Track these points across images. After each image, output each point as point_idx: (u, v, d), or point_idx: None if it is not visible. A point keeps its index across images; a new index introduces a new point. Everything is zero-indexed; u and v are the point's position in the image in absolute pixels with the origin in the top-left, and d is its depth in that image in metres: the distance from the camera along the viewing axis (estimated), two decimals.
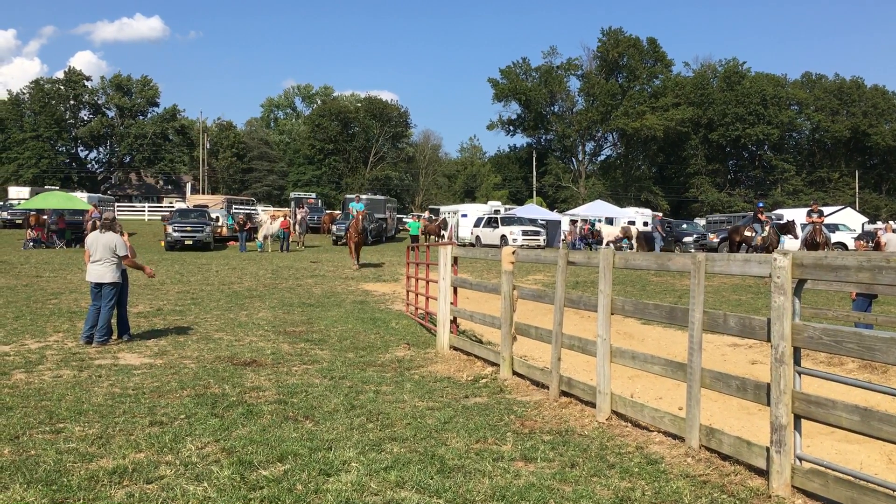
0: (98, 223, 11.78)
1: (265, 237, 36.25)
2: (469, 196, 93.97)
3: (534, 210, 50.52)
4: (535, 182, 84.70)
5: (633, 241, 36.25)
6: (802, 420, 4.83)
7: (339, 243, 41.27)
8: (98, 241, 11.09)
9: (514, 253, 8.97)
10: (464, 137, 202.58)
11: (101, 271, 10.98)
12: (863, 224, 45.77)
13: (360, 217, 25.42)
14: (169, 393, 7.78)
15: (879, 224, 41.42)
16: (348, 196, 54.62)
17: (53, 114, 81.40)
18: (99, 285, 11.00)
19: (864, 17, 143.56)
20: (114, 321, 11.45)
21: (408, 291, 15.75)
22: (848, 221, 42.17)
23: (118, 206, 56.66)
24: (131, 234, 38.72)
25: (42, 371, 8.93)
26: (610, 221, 47.30)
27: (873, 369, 9.64)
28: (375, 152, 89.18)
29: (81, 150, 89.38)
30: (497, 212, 47.80)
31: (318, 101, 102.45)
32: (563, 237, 45.24)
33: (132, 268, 11.44)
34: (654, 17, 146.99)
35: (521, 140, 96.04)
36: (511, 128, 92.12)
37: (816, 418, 4.68)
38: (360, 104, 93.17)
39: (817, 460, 4.81)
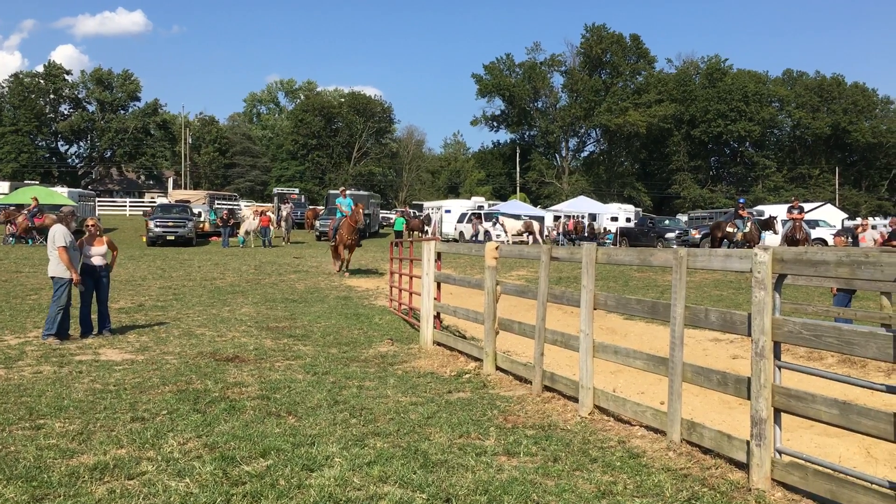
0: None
1: (247, 232, 36.10)
2: (453, 192, 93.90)
3: (517, 206, 50.60)
4: (518, 178, 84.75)
5: (536, 236, 37.07)
6: (782, 414, 4.87)
7: (322, 239, 41.13)
8: (48, 235, 11.08)
9: (497, 249, 8.99)
10: (447, 133, 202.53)
11: (49, 265, 10.96)
12: (843, 220, 46.19)
13: (359, 211, 21.21)
14: (150, 389, 7.74)
15: (859, 220, 41.82)
16: (332, 192, 54.37)
17: (33, 108, 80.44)
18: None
19: (844, 14, 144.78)
20: (94, 316, 11.39)
21: (391, 287, 15.74)
22: (828, 218, 42.52)
23: (99, 202, 56.12)
24: (112, 230, 38.50)
25: (22, 367, 8.86)
26: (593, 217, 47.48)
27: (852, 363, 9.73)
28: (359, 148, 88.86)
29: (62, 145, 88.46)
30: (481, 207, 47.84)
31: (302, 97, 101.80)
32: (546, 233, 45.37)
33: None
34: (637, 13, 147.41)
35: (504, 136, 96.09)
36: (495, 124, 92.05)
37: (796, 412, 4.72)
38: (343, 99, 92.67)
39: (797, 454, 4.86)
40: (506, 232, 38.32)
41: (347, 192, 28.88)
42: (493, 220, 41.17)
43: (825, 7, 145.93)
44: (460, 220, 43.49)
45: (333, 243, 22.09)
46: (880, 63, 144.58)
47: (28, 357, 9.47)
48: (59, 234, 10.86)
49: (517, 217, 41.92)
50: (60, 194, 41.12)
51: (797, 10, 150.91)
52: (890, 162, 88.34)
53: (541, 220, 46.76)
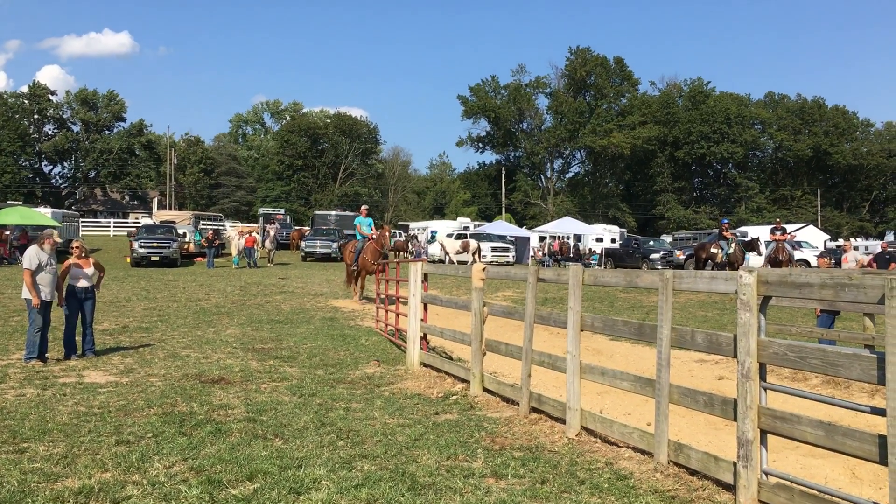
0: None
1: (238, 252, 36.03)
2: (438, 212, 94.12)
3: (503, 227, 50.76)
4: (503, 199, 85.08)
5: (474, 255, 37.48)
6: (768, 435, 4.90)
7: (307, 259, 41.08)
8: None
9: (484, 269, 9.01)
10: (433, 154, 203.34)
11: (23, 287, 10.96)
12: (825, 241, 46.60)
13: (386, 235, 19.42)
14: (135, 411, 7.68)
15: (841, 241, 42.21)
16: (318, 212, 54.36)
17: (17, 128, 79.91)
18: None
19: (825, 38, 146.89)
20: (79, 338, 11.32)
21: (378, 308, 15.72)
22: (810, 239, 42.88)
23: (83, 222, 55.76)
24: (95, 251, 38.25)
25: (5, 390, 8.76)
26: (578, 238, 47.69)
27: (837, 385, 9.80)
28: (345, 168, 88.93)
29: (45, 165, 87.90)
30: (466, 228, 47.95)
31: (287, 117, 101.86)
32: (531, 254, 45.50)
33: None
34: (621, 36, 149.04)
35: (490, 157, 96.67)
36: (480, 145, 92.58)
37: (782, 433, 4.75)
38: (329, 120, 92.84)
39: (783, 475, 4.88)
40: (446, 252, 38.92)
41: (334, 212, 27.66)
42: (431, 238, 41.88)
43: (806, 31, 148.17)
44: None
45: (355, 268, 19.99)
46: (861, 86, 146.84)
47: (11, 379, 9.37)
48: (25, 257, 10.87)
49: (456, 236, 42.23)
50: (44, 215, 40.85)
51: (778, 33, 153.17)
52: (871, 184, 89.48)
53: (526, 241, 46.95)
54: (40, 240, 11.15)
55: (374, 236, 19.59)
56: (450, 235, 42.22)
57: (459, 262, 36.59)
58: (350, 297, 20.84)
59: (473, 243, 38.57)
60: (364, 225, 20.22)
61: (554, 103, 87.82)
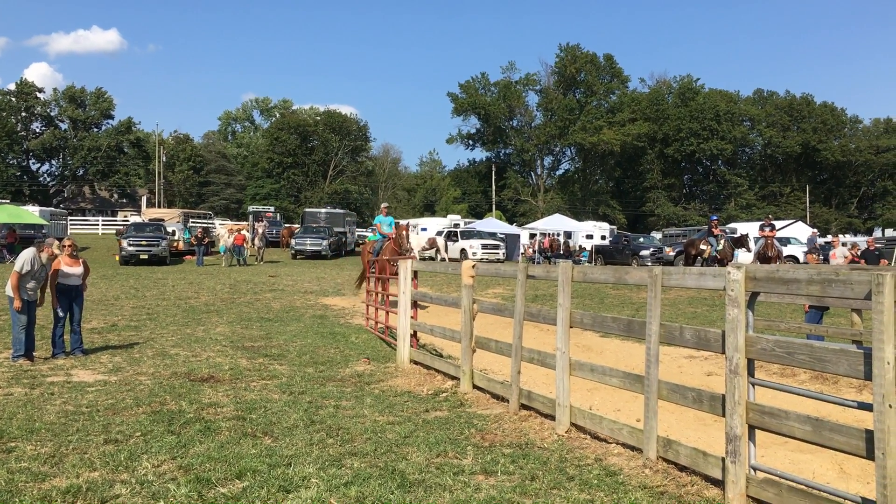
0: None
1: (227, 248, 35.97)
2: (429, 210, 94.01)
3: (493, 224, 50.77)
4: (494, 196, 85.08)
5: (442, 252, 38.21)
6: (756, 430, 4.92)
7: (297, 257, 41.01)
8: None
9: (474, 267, 9.01)
10: (423, 151, 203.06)
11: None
12: (810, 238, 46.73)
13: (403, 235, 17.58)
14: (124, 410, 7.65)
15: (829, 238, 42.37)
16: (308, 210, 54.19)
17: (4, 126, 79.31)
18: None
19: (813, 36, 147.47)
20: (67, 337, 11.27)
21: (367, 305, 15.70)
22: (799, 235, 43.05)
23: (71, 220, 55.47)
24: (84, 249, 38.07)
25: None
26: (569, 235, 47.75)
27: (824, 380, 9.84)
28: (335, 166, 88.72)
29: (33, 163, 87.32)
30: (457, 225, 47.94)
31: (277, 115, 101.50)
32: (521, 251, 45.55)
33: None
34: (610, 34, 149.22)
35: (480, 154, 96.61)
36: (470, 142, 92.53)
37: (770, 429, 4.77)
38: (319, 118, 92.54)
39: (771, 470, 4.90)
40: (412, 247, 39.67)
41: (325, 210, 26.82)
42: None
43: (795, 28, 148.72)
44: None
45: (374, 272, 17.82)
46: (849, 83, 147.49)
47: None
48: (20, 259, 10.85)
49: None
50: (32, 213, 40.60)
51: (767, 30, 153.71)
52: (859, 180, 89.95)
53: (516, 238, 47.00)
54: (41, 246, 11.11)
55: (393, 235, 18.34)
56: (440, 233, 42.55)
57: (423, 259, 37.48)
58: (356, 295, 20.15)
59: (440, 240, 39.12)
60: (385, 224, 19.20)
61: (544, 100, 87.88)
